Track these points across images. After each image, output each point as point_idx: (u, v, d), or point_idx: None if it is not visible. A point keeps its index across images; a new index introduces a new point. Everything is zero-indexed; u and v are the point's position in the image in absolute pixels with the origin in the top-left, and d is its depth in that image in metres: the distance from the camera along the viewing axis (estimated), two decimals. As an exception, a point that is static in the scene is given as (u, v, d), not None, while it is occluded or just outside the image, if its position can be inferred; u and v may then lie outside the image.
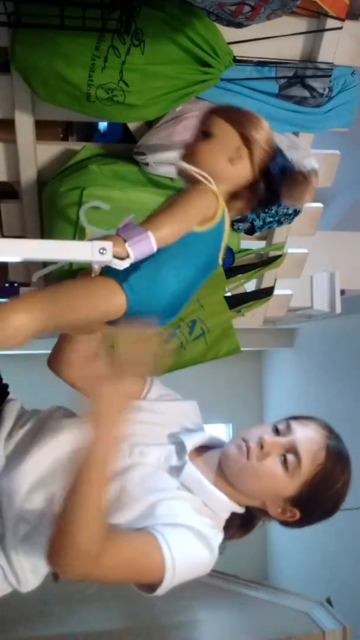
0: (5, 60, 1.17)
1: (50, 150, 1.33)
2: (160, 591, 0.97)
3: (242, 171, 0.90)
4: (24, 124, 1.25)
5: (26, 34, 1.09)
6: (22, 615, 2.24)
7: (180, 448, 1.10)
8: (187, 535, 0.98)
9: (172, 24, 1.09)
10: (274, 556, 5.11)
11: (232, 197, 0.92)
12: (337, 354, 3.55)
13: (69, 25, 1.02)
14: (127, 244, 0.75)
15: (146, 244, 0.77)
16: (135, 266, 0.81)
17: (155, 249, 0.78)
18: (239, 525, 1.14)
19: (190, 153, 0.91)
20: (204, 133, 0.92)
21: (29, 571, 1.07)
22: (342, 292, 2.04)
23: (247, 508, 1.12)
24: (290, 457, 1.04)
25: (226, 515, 1.10)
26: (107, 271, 0.82)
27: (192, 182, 0.89)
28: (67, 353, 1.16)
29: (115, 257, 0.75)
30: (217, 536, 1.04)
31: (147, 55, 1.09)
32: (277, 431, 1.09)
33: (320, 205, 1.52)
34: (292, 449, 1.05)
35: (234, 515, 1.11)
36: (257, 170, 0.91)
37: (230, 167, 0.89)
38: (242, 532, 1.16)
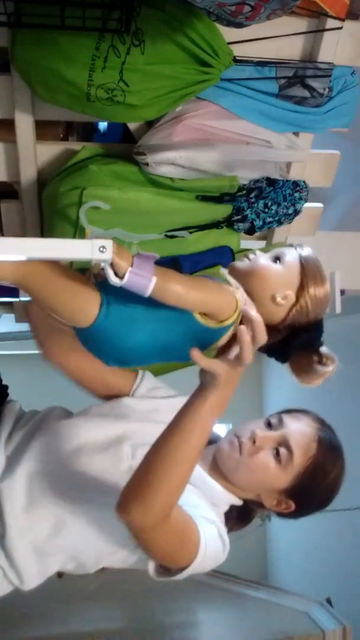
0: (5, 60, 1.17)
1: (50, 150, 1.33)
2: (183, 574, 0.99)
3: (275, 313, 0.90)
4: (24, 124, 1.25)
5: (26, 34, 1.09)
6: (22, 614, 2.24)
7: None
8: (210, 527, 1.01)
9: (172, 24, 1.09)
10: (274, 556, 5.11)
11: None
12: (337, 354, 3.54)
13: (69, 25, 1.02)
14: (129, 269, 0.74)
15: (143, 283, 0.75)
16: (127, 300, 0.80)
17: (147, 294, 0.76)
18: (237, 517, 1.15)
19: (253, 270, 0.90)
20: (277, 258, 0.91)
21: (35, 571, 1.07)
22: (342, 292, 2.04)
23: (244, 501, 1.13)
24: (282, 451, 1.06)
25: (225, 508, 1.11)
26: (102, 286, 0.81)
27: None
28: (53, 345, 1.16)
29: (113, 267, 0.74)
30: (225, 529, 1.06)
31: (147, 55, 1.09)
32: (269, 425, 1.10)
33: (320, 205, 1.52)
34: (284, 443, 1.07)
35: (231, 508, 1.12)
36: (287, 322, 0.91)
37: (268, 302, 0.89)
38: (240, 524, 1.18)
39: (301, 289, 0.90)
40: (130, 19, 1.05)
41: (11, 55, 1.13)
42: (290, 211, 1.41)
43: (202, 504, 1.04)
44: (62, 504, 1.04)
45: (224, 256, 1.44)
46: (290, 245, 0.97)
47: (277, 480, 1.07)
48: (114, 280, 0.74)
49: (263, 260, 0.92)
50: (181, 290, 0.79)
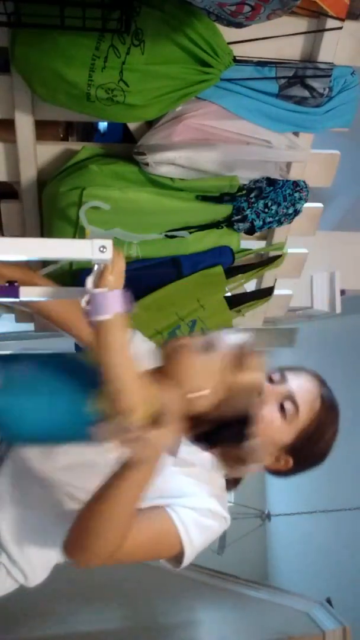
0: (5, 60, 1.18)
1: (50, 150, 1.33)
2: (184, 564, 0.99)
3: (194, 405, 0.89)
4: (24, 124, 1.25)
5: (26, 34, 1.09)
6: (22, 614, 2.24)
7: None
8: (198, 515, 0.99)
9: (172, 24, 1.09)
10: (274, 556, 5.11)
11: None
12: (337, 354, 3.55)
13: (69, 25, 1.02)
14: (108, 289, 0.76)
15: (100, 310, 0.76)
16: (21, 390, 0.82)
17: (96, 318, 0.77)
18: (234, 478, 1.14)
19: (175, 360, 0.90)
20: (208, 347, 0.91)
21: (38, 566, 1.06)
22: (342, 292, 2.04)
23: None
24: (288, 405, 1.03)
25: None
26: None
27: None
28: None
29: (102, 276, 0.75)
30: (223, 502, 1.05)
31: (147, 55, 1.09)
32: (271, 380, 1.08)
33: (320, 205, 1.52)
34: (290, 397, 1.04)
35: None
36: (210, 414, 0.89)
37: (186, 395, 0.88)
38: (236, 483, 1.16)
39: (226, 379, 0.88)
40: (130, 19, 1.05)
41: (11, 55, 1.13)
42: (290, 211, 1.41)
43: (190, 489, 1.02)
44: (48, 497, 1.04)
45: (224, 256, 1.44)
46: (230, 330, 0.96)
47: (280, 436, 1.05)
48: (88, 284, 0.75)
49: (189, 349, 0.90)
50: (117, 344, 0.79)
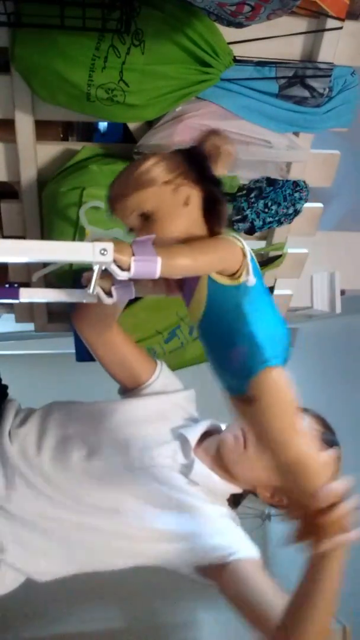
0: (5, 60, 1.17)
1: (50, 150, 1.33)
2: None
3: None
4: (24, 124, 1.25)
5: (26, 34, 1.09)
6: (22, 614, 2.24)
7: (185, 444, 1.15)
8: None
9: (172, 24, 1.08)
10: (274, 556, 5.11)
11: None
12: (337, 354, 3.55)
13: (69, 25, 1.02)
14: (133, 258, 0.72)
15: (151, 267, 0.73)
16: None
17: (157, 276, 0.74)
18: (232, 502, 1.22)
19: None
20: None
21: (44, 573, 1.08)
22: (342, 292, 2.04)
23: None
24: None
25: (227, 496, 1.19)
26: None
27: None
28: (88, 312, 1.17)
29: (116, 264, 0.73)
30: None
31: (147, 55, 1.09)
32: None
33: (320, 205, 1.52)
34: None
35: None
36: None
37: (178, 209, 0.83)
38: (234, 507, 1.24)
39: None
40: (130, 19, 1.05)
41: (11, 55, 1.13)
42: (291, 211, 1.41)
43: (230, 526, 1.12)
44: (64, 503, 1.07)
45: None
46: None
47: (277, 479, 1.08)
48: (121, 275, 0.73)
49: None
50: (189, 263, 0.76)
